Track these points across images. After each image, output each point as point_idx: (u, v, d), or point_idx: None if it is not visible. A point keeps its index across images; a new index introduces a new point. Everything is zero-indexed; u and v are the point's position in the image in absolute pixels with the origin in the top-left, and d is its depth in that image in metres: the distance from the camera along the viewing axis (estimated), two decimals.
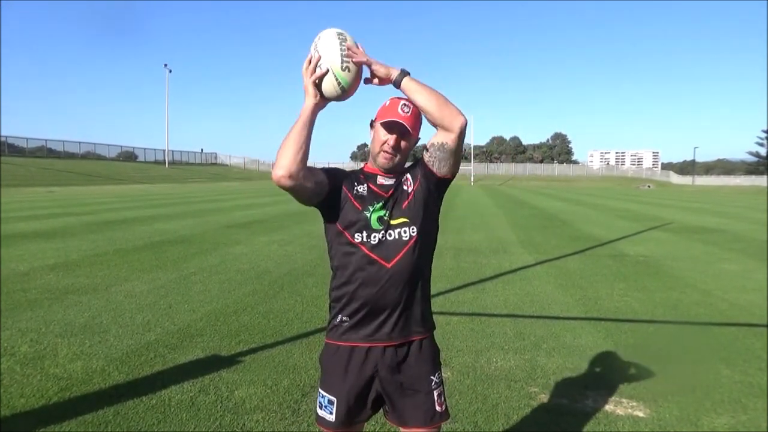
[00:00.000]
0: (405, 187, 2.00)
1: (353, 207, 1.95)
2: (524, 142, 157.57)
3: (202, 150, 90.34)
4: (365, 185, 1.99)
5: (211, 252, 9.62)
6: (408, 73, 1.91)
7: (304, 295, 6.34)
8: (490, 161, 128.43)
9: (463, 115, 1.91)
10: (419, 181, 2.00)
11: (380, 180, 2.00)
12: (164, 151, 76.11)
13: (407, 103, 1.94)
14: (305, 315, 5.61)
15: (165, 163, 73.88)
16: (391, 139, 1.93)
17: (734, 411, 3.55)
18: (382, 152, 1.95)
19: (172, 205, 21.70)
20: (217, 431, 3.16)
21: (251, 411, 3.42)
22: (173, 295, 6.36)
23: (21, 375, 3.93)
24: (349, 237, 1.93)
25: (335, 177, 1.99)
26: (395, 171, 2.01)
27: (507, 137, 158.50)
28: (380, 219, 1.93)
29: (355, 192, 1.97)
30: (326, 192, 1.95)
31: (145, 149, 78.08)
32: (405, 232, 1.94)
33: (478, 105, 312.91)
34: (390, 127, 1.93)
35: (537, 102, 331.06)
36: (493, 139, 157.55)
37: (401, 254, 1.92)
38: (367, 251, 1.91)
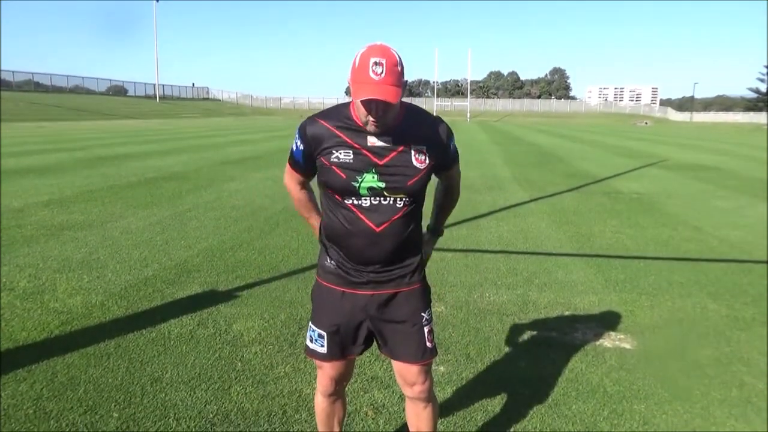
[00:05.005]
0: (415, 161, 1.81)
1: (337, 176, 1.80)
2: (522, 78, 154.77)
3: (193, 84, 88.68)
4: (350, 149, 1.78)
5: (206, 188, 9.59)
6: (438, 232, 2.23)
7: (300, 232, 6.37)
8: (487, 97, 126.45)
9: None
10: (433, 161, 1.85)
11: (372, 140, 1.78)
12: (154, 85, 74.44)
13: (378, 60, 1.63)
14: (301, 251, 5.67)
15: (156, 97, 72.39)
16: (374, 112, 1.70)
17: (718, 343, 3.67)
18: (370, 122, 1.73)
19: (165, 141, 21.43)
20: (216, 363, 3.25)
21: (249, 343, 3.51)
22: (169, 232, 6.39)
23: (21, 309, 3.99)
24: (339, 198, 1.85)
25: (310, 156, 1.86)
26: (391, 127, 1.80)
27: (505, 72, 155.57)
28: (371, 189, 1.80)
29: (335, 159, 1.79)
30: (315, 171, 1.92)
31: (135, 83, 76.51)
32: (400, 200, 1.84)
33: (476, 39, 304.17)
34: (368, 106, 1.69)
35: (536, 36, 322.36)
36: (491, 74, 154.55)
37: (392, 220, 1.84)
38: (357, 212, 1.83)
